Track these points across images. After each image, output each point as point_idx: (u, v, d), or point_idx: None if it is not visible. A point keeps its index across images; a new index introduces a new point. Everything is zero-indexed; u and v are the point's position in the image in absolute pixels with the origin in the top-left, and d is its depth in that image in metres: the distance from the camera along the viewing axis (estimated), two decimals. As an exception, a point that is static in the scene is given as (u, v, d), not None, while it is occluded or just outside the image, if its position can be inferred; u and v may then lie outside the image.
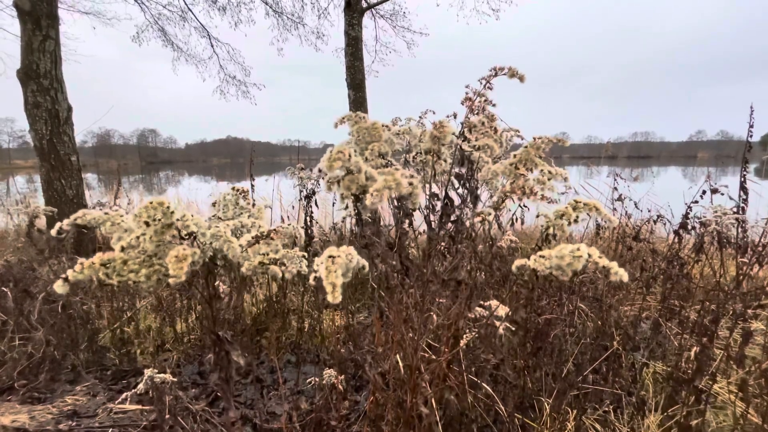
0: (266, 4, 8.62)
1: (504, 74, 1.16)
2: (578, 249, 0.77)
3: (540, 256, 0.81)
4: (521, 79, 1.17)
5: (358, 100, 6.96)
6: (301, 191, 3.00)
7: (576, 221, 1.00)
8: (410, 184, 0.87)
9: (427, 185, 1.17)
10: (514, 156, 1.14)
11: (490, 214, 1.21)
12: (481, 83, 1.21)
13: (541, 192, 1.06)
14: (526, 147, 1.15)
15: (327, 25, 9.12)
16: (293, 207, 4.03)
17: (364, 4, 7.39)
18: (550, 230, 1.01)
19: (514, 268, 0.83)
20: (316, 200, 3.15)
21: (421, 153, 1.24)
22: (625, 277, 0.74)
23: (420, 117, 1.77)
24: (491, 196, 1.23)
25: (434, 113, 1.74)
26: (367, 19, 8.43)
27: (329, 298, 0.68)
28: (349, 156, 0.88)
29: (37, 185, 4.29)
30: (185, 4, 8.15)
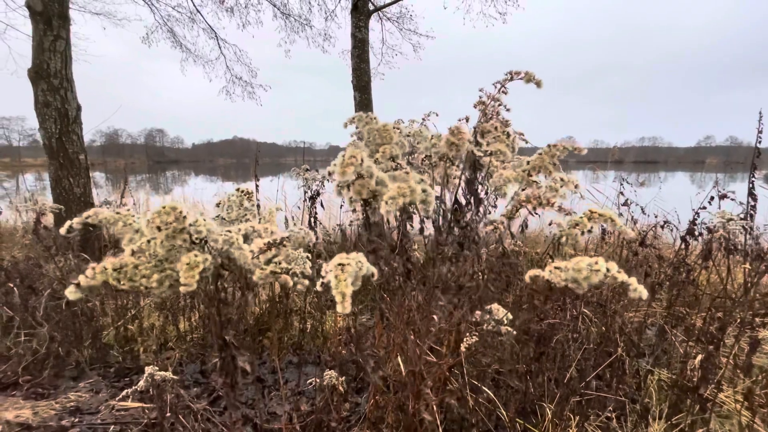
0: (274, 6, 8.69)
1: (520, 79, 1.14)
2: (596, 263, 0.75)
3: (556, 268, 0.79)
4: (538, 84, 1.14)
5: (363, 102, 6.98)
6: (305, 192, 3.01)
7: (590, 231, 0.98)
8: (424, 191, 0.85)
9: (436, 188, 1.16)
10: (528, 163, 1.12)
11: (502, 222, 1.20)
12: (495, 87, 1.19)
13: (556, 201, 1.04)
14: (540, 154, 1.13)
15: (334, 27, 9.20)
16: (298, 207, 4.04)
17: (371, 7, 7.42)
18: (563, 239, 0.99)
19: (527, 278, 0.82)
20: (321, 201, 3.16)
21: (430, 156, 1.22)
22: (645, 294, 0.72)
23: (423, 119, 1.76)
24: (495, 201, 1.22)
25: (437, 115, 1.74)
26: (373, 22, 8.47)
27: (339, 308, 0.65)
28: (362, 161, 0.87)
29: (46, 183, 4.34)
30: (194, 5, 8.24)
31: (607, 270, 0.74)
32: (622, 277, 0.74)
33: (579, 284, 0.76)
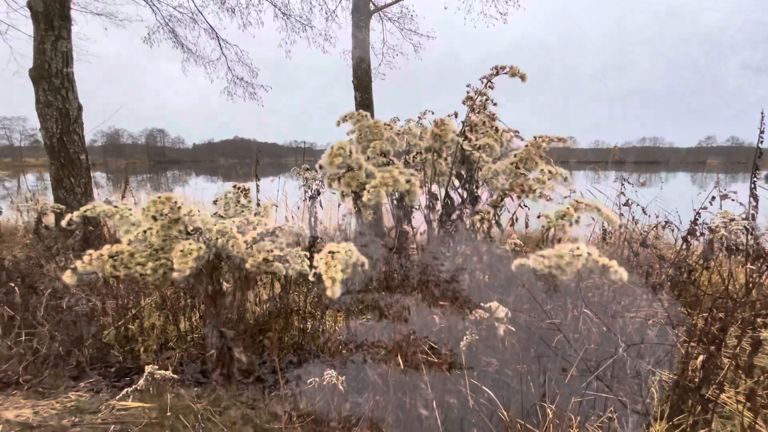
0: (275, 6, 8.69)
1: (505, 73, 1.17)
2: (577, 248, 0.77)
3: (540, 255, 0.81)
4: (522, 78, 1.17)
5: (364, 102, 6.97)
6: (305, 192, 3.01)
7: (577, 222, 0.99)
8: (407, 181, 0.87)
9: (427, 184, 1.17)
10: (515, 156, 1.14)
11: (489, 212, 1.20)
12: (482, 82, 1.21)
13: (540, 190, 1.05)
14: (527, 146, 1.15)
15: (335, 27, 9.15)
16: (298, 207, 4.04)
17: (372, 7, 7.42)
18: (551, 231, 1.00)
19: (513, 267, 0.83)
20: (321, 201, 3.16)
21: (421, 152, 1.24)
22: (625, 276, 0.74)
23: (419, 117, 1.76)
24: (491, 195, 1.22)
25: (433, 113, 1.73)
26: (374, 22, 8.46)
27: (328, 292, 0.68)
28: (350, 152, 0.88)
29: (47, 183, 4.35)
30: (195, 6, 8.25)
31: (588, 254, 0.75)
32: (603, 260, 0.75)
33: (562, 270, 0.77)
